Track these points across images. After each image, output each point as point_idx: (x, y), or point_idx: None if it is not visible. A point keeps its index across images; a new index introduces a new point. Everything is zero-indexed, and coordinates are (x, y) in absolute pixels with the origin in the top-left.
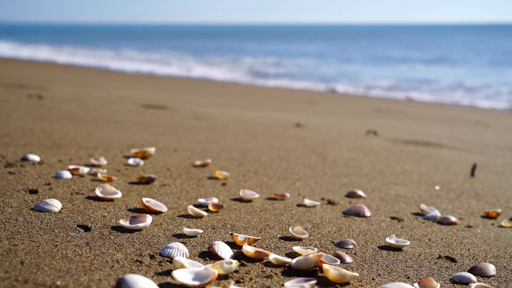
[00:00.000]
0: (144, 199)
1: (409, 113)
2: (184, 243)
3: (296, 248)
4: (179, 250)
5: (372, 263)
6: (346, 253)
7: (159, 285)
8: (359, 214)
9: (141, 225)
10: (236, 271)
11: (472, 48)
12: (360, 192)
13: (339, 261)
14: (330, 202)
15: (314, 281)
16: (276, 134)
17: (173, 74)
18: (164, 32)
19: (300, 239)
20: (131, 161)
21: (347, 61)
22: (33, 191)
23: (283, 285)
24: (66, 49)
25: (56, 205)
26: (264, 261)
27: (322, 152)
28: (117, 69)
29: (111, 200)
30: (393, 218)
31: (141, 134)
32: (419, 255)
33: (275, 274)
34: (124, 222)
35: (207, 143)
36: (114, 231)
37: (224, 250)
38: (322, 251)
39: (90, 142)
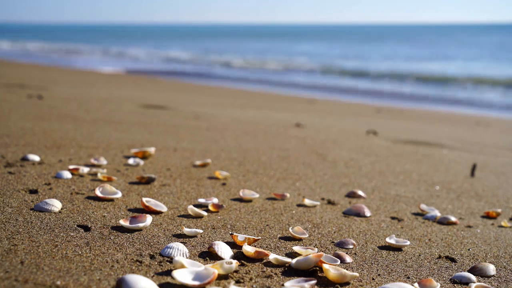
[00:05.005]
0: (144, 199)
1: (409, 113)
2: (184, 243)
3: (296, 248)
4: (179, 250)
5: (372, 263)
6: (346, 253)
7: (159, 285)
8: (359, 214)
9: (141, 225)
10: (236, 271)
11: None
12: (360, 192)
13: (339, 261)
14: (330, 202)
15: (314, 281)
16: (276, 134)
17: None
18: (166, 32)
19: (300, 239)
20: (131, 161)
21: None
22: (33, 191)
23: (283, 285)
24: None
25: (56, 205)
26: (264, 261)
27: (322, 152)
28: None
29: (111, 200)
30: (393, 218)
31: (141, 134)
32: (419, 255)
33: (275, 274)
34: (124, 222)
35: (207, 143)
36: (114, 231)
37: (224, 250)
38: (322, 251)
39: (90, 142)
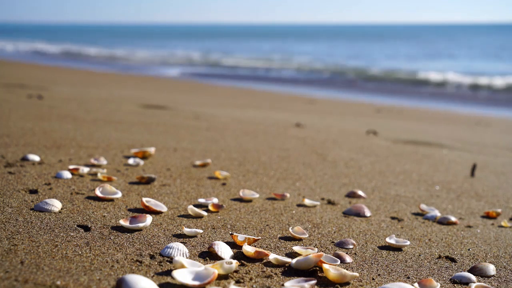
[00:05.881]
0: (144, 199)
1: (409, 113)
2: (184, 243)
3: (296, 248)
4: (179, 250)
5: (372, 263)
6: (346, 253)
7: (159, 285)
8: (359, 214)
9: (141, 225)
10: (236, 271)
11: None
12: (360, 192)
13: (339, 261)
14: (330, 202)
15: (314, 281)
16: (276, 134)
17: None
18: (166, 32)
19: (300, 239)
20: (131, 161)
21: None
22: (33, 191)
23: (283, 285)
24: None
25: (56, 205)
26: (264, 261)
27: (322, 152)
28: None
29: (111, 200)
30: (393, 218)
31: (141, 134)
32: (419, 255)
33: (275, 274)
34: (124, 222)
35: (207, 143)
36: (114, 231)
37: (224, 250)
38: (322, 251)
39: (90, 142)
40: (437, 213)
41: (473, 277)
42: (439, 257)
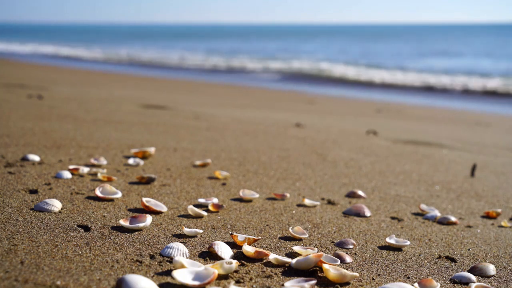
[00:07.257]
0: (144, 199)
1: (409, 113)
2: (184, 243)
3: (296, 248)
4: (179, 250)
5: (372, 263)
6: (346, 253)
7: (159, 285)
8: (359, 214)
9: (141, 225)
10: (236, 271)
11: None
12: (360, 192)
13: (339, 261)
14: (330, 202)
15: (314, 281)
16: (276, 134)
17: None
18: (168, 32)
19: (300, 239)
20: (131, 161)
21: None
22: (33, 191)
23: (283, 285)
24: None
25: (56, 205)
26: (264, 261)
27: (322, 152)
28: None
29: (111, 200)
30: (393, 218)
31: (141, 134)
32: (419, 255)
33: (275, 274)
34: (124, 222)
35: (207, 143)
36: (114, 231)
37: (224, 250)
38: (322, 251)
39: (90, 142)
40: (437, 213)
41: (473, 277)
42: (439, 257)
